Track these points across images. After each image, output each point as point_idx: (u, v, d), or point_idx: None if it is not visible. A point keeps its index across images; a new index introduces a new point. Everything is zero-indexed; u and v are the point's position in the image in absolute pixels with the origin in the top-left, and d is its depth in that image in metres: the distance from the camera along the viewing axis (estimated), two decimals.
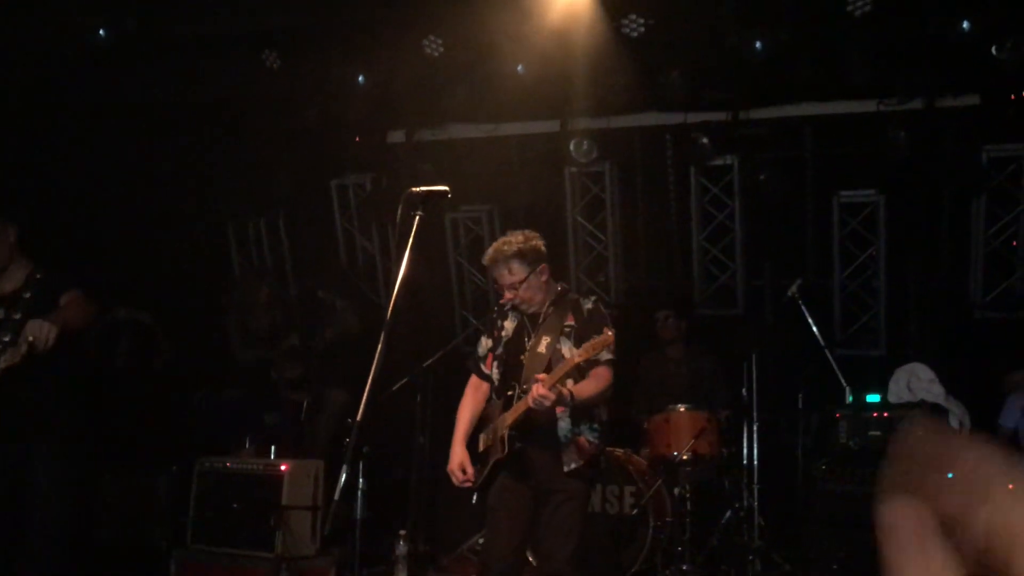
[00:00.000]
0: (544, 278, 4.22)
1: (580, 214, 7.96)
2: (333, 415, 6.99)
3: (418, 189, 3.51)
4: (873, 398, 5.58)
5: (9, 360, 4.08)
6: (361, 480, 3.79)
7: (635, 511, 5.50)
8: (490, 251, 4.23)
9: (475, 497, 4.20)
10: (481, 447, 4.28)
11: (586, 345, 3.86)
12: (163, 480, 6.46)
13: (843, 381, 5.79)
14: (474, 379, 4.47)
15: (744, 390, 6.07)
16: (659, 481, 5.63)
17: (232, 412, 7.12)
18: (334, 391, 7.04)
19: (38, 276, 4.51)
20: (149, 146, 7.59)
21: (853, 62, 6.48)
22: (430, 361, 5.49)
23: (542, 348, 4.11)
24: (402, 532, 5.30)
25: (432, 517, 6.24)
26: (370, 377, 3.07)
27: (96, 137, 7.33)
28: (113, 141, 7.41)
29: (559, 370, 3.90)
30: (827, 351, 5.98)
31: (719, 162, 7.35)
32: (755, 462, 5.94)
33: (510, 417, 4.06)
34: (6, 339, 4.32)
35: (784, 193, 7.32)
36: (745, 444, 6.05)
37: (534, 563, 4.56)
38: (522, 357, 4.17)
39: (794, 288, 6.07)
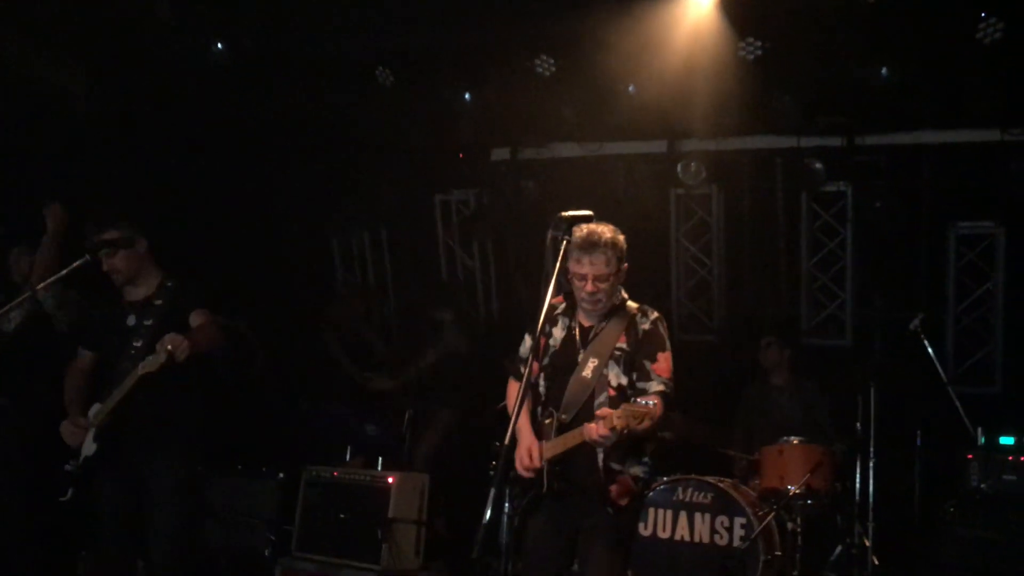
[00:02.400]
0: (622, 279, 3.82)
1: (684, 237, 7.87)
2: (437, 432, 6.98)
3: (567, 213, 3.49)
4: (1007, 440, 5.37)
5: (148, 367, 4.18)
6: (507, 505, 3.74)
7: (745, 543, 5.37)
8: (588, 234, 3.76)
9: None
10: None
11: (629, 411, 3.40)
12: (269, 487, 6.51)
13: (968, 423, 5.59)
14: (512, 383, 4.02)
15: (858, 424, 5.90)
16: (771, 514, 5.49)
17: (334, 422, 7.16)
18: (440, 409, 7.04)
19: (168, 284, 4.62)
20: (259, 159, 7.74)
21: (978, 90, 6.30)
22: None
23: (587, 372, 3.73)
24: None
25: None
26: (517, 401, 3.05)
27: (209, 150, 7.49)
28: (224, 154, 7.57)
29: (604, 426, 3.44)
30: (950, 389, 5.77)
31: (832, 188, 7.22)
32: (870, 499, 5.76)
33: (549, 451, 3.67)
34: (138, 344, 4.44)
35: (898, 222, 7.15)
36: (859, 480, 5.87)
37: None
38: (568, 377, 3.78)
39: (916, 322, 5.90)
